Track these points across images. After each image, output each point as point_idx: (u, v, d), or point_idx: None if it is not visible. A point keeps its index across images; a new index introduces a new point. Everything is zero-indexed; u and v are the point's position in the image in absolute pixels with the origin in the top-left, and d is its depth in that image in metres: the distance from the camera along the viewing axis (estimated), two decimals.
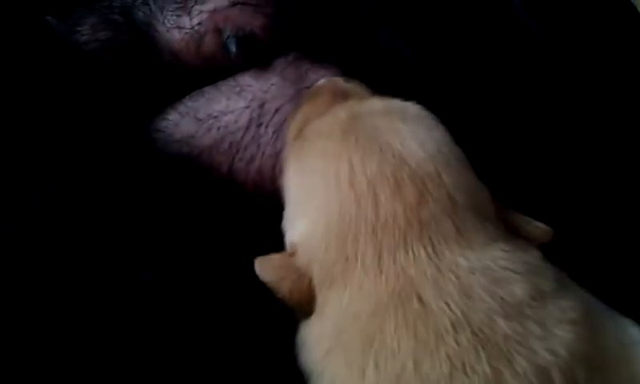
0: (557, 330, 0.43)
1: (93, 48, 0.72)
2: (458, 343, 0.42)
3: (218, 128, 0.69)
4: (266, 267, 0.51)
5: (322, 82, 0.62)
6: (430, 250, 0.46)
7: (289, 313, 0.50)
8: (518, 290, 0.45)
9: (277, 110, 0.67)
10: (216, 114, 0.70)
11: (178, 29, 0.74)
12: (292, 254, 0.51)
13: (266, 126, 0.67)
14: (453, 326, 0.43)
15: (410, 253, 0.46)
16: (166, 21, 0.74)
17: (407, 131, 0.50)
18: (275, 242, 0.54)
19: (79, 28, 0.73)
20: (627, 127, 0.64)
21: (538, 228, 0.50)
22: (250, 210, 0.63)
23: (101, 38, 0.73)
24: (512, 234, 0.49)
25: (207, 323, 0.53)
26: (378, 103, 0.55)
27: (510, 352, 0.42)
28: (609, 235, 0.61)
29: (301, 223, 0.51)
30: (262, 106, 0.68)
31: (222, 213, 0.62)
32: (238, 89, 0.70)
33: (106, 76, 0.71)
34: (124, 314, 0.51)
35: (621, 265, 0.59)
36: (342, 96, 0.57)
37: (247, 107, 0.68)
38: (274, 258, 0.51)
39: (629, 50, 0.67)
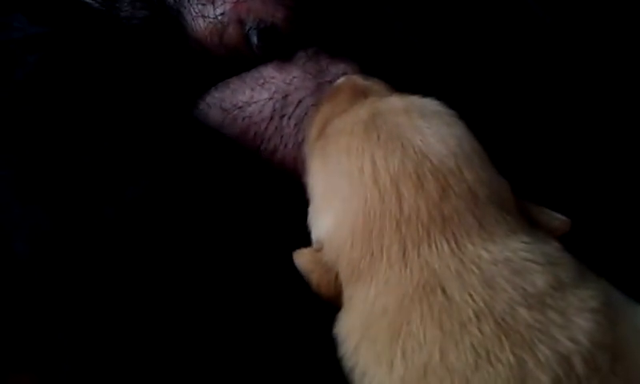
0: (577, 318, 0.43)
1: (134, 25, 0.71)
2: (481, 332, 0.42)
3: (243, 118, 0.68)
4: (298, 261, 0.51)
5: (341, 80, 0.60)
6: (452, 243, 0.45)
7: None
8: (539, 280, 0.44)
9: (299, 103, 0.66)
10: (241, 105, 0.68)
11: (202, 18, 0.72)
12: (319, 250, 0.50)
13: (289, 118, 0.66)
14: (476, 316, 0.42)
15: (434, 247, 0.45)
16: (192, 9, 0.73)
17: (427, 128, 0.49)
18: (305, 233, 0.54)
19: (117, 4, 0.72)
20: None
21: (557, 219, 0.49)
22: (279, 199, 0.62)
23: (139, 15, 0.72)
24: (532, 225, 0.48)
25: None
26: (397, 101, 0.53)
27: (532, 340, 0.41)
28: (625, 224, 0.60)
29: (326, 220, 0.50)
30: (284, 97, 0.67)
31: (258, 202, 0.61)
32: (261, 80, 0.68)
33: (147, 54, 0.70)
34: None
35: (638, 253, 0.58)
36: (362, 94, 0.56)
37: (270, 99, 0.67)
38: (303, 252, 0.51)
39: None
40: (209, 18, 0.72)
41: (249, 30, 0.70)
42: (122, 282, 0.50)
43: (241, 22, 0.71)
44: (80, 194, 0.53)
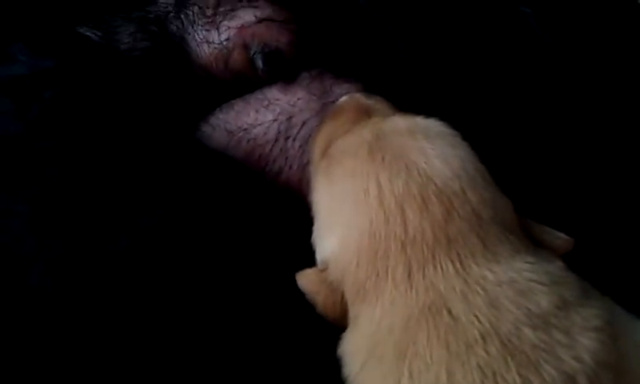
0: (581, 337, 0.42)
1: (135, 56, 0.72)
2: (487, 353, 0.42)
3: (248, 140, 0.68)
4: (302, 281, 0.51)
5: (344, 99, 0.60)
6: (457, 264, 0.45)
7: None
8: (543, 300, 0.44)
9: (303, 124, 0.66)
10: (245, 127, 0.69)
11: (207, 43, 0.73)
12: (323, 270, 0.50)
13: (294, 139, 0.66)
14: (482, 336, 0.42)
15: (439, 268, 0.45)
16: (196, 35, 0.73)
17: (431, 149, 0.49)
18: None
19: (117, 37, 0.72)
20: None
21: (560, 238, 0.49)
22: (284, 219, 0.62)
23: (141, 47, 0.72)
24: (535, 245, 0.48)
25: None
26: (401, 121, 0.53)
27: (537, 360, 0.41)
28: (627, 242, 0.59)
29: (331, 240, 0.50)
30: (289, 119, 0.67)
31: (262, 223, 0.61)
32: (266, 102, 0.69)
33: (150, 85, 0.71)
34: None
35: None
36: (365, 113, 0.56)
37: (275, 120, 0.67)
38: (307, 273, 0.51)
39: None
40: (214, 43, 0.72)
41: (254, 54, 0.71)
42: (138, 310, 0.51)
43: (246, 47, 0.71)
44: (95, 226, 0.54)
